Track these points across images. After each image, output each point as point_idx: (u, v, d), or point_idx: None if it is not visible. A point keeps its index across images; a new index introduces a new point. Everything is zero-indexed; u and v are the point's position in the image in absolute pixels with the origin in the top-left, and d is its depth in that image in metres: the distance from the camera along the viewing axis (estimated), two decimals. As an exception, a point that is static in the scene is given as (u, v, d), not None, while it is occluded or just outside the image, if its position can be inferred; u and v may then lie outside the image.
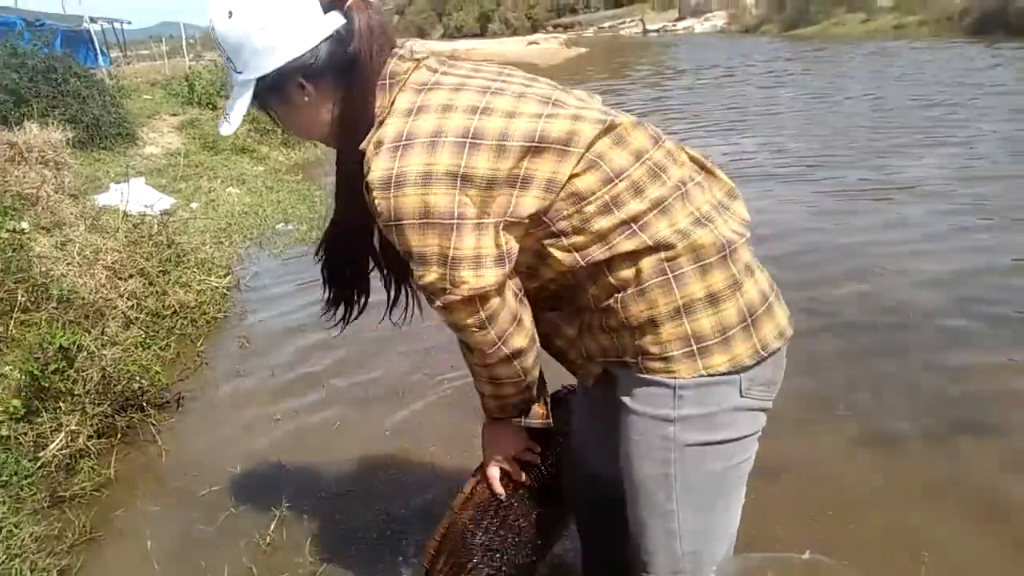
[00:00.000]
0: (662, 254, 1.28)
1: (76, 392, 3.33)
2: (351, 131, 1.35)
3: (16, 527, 2.68)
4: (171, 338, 4.42)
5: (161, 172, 8.82)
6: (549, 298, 1.48)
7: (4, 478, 2.92)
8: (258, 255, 6.32)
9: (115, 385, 3.48)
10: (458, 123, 1.26)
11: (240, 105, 1.38)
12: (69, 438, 3.15)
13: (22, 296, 3.70)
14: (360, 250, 1.61)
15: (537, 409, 1.59)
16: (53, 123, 7.52)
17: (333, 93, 1.37)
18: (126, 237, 5.15)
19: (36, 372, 3.20)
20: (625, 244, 1.29)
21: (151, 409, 3.56)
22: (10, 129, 6.84)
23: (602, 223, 1.29)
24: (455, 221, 1.25)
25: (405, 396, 3.55)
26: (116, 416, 3.44)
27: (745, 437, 1.41)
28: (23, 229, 4.34)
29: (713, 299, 1.29)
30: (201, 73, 14.51)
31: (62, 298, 3.86)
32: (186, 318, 4.70)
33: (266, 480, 2.99)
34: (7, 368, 3.17)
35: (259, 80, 1.34)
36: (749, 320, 1.31)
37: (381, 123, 1.31)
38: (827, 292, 4.35)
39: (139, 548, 2.62)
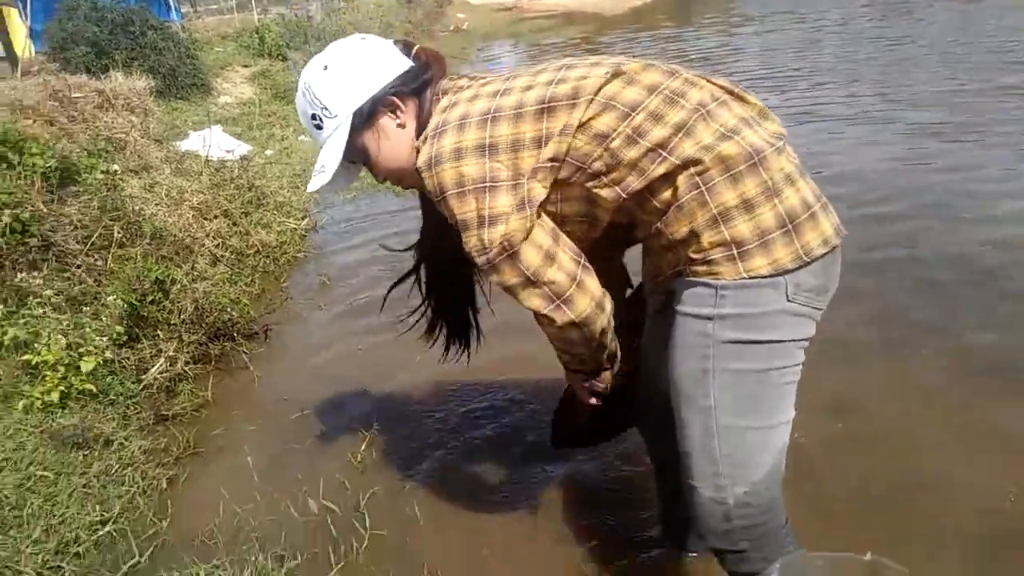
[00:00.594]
0: (692, 170, 1.36)
1: (172, 321, 3.53)
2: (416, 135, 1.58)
3: (126, 441, 2.88)
4: (255, 275, 4.59)
5: (236, 121, 9.01)
6: (618, 242, 1.63)
7: (112, 397, 3.13)
8: (332, 199, 6.46)
9: (207, 316, 3.67)
10: (482, 106, 1.47)
11: (336, 151, 1.57)
12: (168, 363, 3.35)
13: (118, 232, 3.89)
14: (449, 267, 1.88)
15: (606, 375, 1.75)
16: (135, 73, 7.74)
17: (414, 116, 1.58)
18: (209, 180, 5.35)
19: (135, 302, 3.40)
20: (657, 169, 1.38)
21: (241, 339, 3.74)
22: (96, 79, 7.08)
23: (630, 154, 1.39)
24: (487, 184, 1.42)
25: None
26: (210, 344, 3.63)
27: (786, 342, 1.42)
28: (115, 171, 4.53)
29: (748, 205, 1.34)
30: (270, 26, 14.68)
31: (154, 235, 4.05)
32: (268, 257, 4.88)
33: (353, 405, 3.13)
34: (109, 298, 3.35)
35: (354, 115, 1.54)
36: (789, 226, 1.34)
37: (428, 126, 1.53)
38: (906, 228, 4.25)
39: (239, 462, 2.78)
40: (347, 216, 5.97)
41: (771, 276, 1.35)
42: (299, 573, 2.20)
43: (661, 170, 1.37)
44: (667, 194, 1.39)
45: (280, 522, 2.41)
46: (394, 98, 1.56)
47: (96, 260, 3.70)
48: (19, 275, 3.36)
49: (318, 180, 1.58)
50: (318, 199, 6.40)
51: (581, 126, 1.40)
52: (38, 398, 2.91)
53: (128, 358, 3.31)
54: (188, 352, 3.47)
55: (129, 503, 2.58)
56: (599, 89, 1.40)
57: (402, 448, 2.78)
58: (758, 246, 1.34)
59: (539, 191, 1.43)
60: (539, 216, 1.45)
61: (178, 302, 3.57)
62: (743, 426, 1.45)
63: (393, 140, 1.58)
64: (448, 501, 2.47)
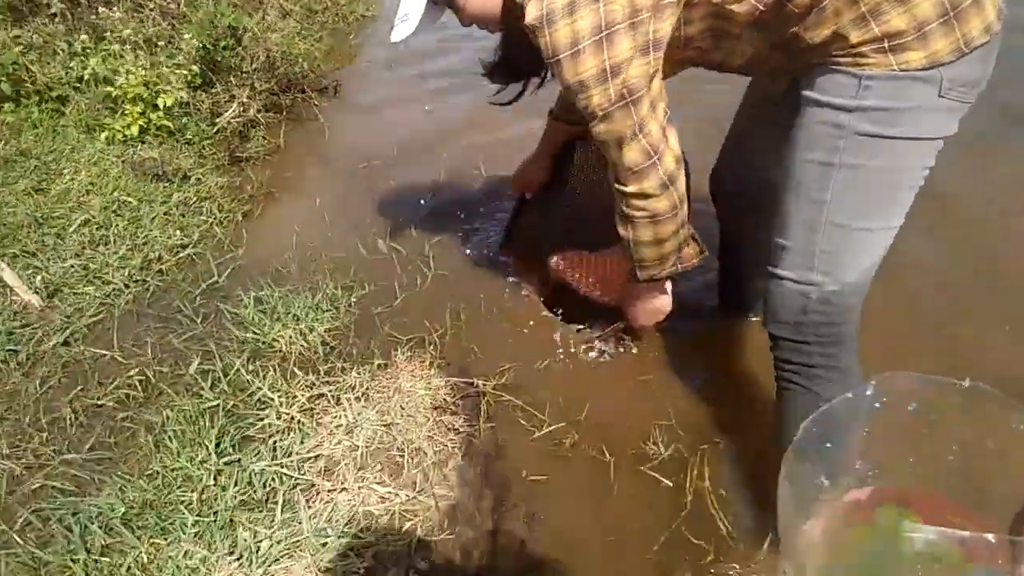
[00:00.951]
0: None
1: (244, 69, 3.54)
2: None
3: (203, 177, 3.00)
4: (324, 31, 4.52)
5: None
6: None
7: (188, 136, 3.23)
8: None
9: (278, 67, 3.68)
10: None
11: None
12: (241, 108, 3.40)
13: (192, -27, 3.82)
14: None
15: (688, 251, 1.67)
16: None
17: None
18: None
19: (209, 46, 3.39)
20: None
21: (311, 92, 3.76)
22: None
23: None
24: (603, 33, 1.27)
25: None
26: (281, 95, 3.66)
27: (925, 140, 1.32)
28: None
29: None
30: None
31: (226, -21, 3.97)
32: (337, 14, 4.78)
33: (420, 160, 3.17)
34: (185, 36, 3.35)
35: None
36: (951, 13, 1.20)
37: None
38: None
39: (309, 204, 2.90)
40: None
41: (925, 70, 1.22)
42: (366, 300, 2.35)
43: None
44: None
45: (349, 258, 2.54)
46: None
47: (169, 2, 3.67)
48: (98, 10, 3.36)
49: (402, 29, 1.47)
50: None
51: None
52: (119, 130, 3.02)
53: (203, 101, 3.37)
54: (260, 100, 3.51)
55: (207, 231, 2.73)
56: None
57: (467, 201, 2.85)
58: (915, 39, 1.21)
59: (664, 30, 1.31)
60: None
61: (250, 50, 3.56)
62: (853, 226, 1.37)
63: None
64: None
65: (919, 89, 1.24)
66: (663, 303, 1.82)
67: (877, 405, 1.30)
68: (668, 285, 1.79)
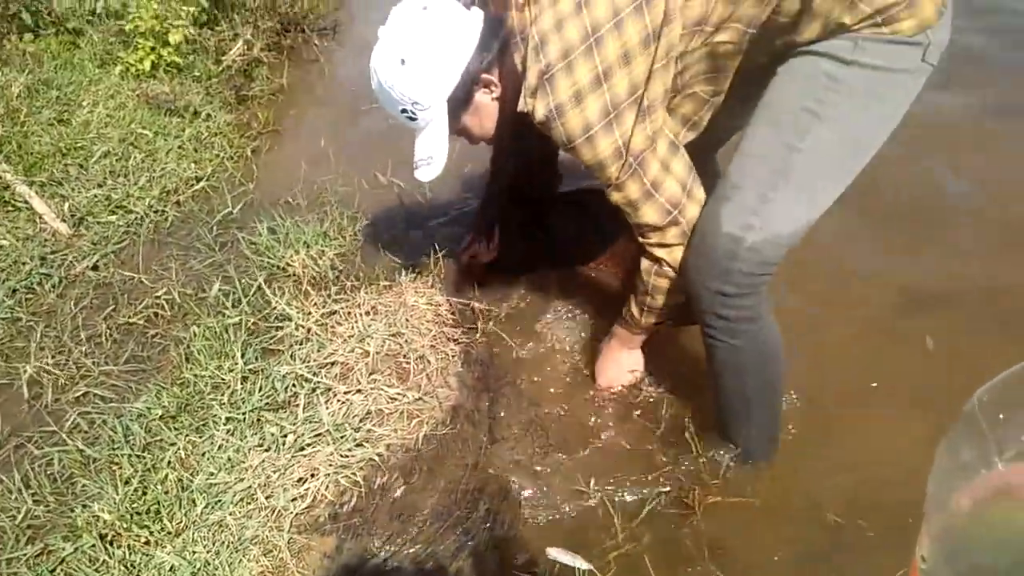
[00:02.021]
0: None
1: (248, 6, 3.66)
2: (516, 96, 1.44)
3: (212, 113, 3.16)
4: (322, -29, 4.60)
5: None
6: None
7: (196, 73, 3.37)
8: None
9: (280, 6, 3.79)
10: (574, 32, 1.32)
11: (439, 139, 1.50)
12: (245, 47, 3.54)
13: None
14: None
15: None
16: None
17: (502, 74, 1.47)
18: None
19: (214, -18, 3.51)
20: None
21: (312, 33, 3.88)
22: None
23: None
24: (612, 114, 1.36)
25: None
26: (283, 35, 3.80)
27: (900, 106, 1.37)
28: None
29: None
30: None
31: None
32: (336, -47, 4.84)
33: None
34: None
35: (448, 101, 1.45)
36: None
37: (524, 74, 1.40)
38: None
39: (314, 141, 3.07)
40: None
41: (916, 34, 1.27)
42: (370, 229, 2.55)
43: None
44: (795, 5, 1.31)
45: (353, 192, 2.72)
46: (486, 75, 1.48)
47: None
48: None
49: (429, 171, 1.56)
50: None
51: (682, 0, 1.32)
52: (132, 64, 3.16)
53: (209, 39, 3.51)
54: (263, 40, 3.65)
55: (219, 165, 2.91)
56: None
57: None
58: (904, 8, 1.24)
59: (658, 90, 1.38)
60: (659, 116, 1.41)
61: (252, -13, 3.68)
62: (813, 182, 1.40)
63: (491, 109, 1.53)
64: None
65: (908, 53, 1.29)
66: (638, 362, 1.93)
67: None
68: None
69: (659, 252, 1.55)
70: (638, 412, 1.93)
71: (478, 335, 2.10)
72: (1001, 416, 1.19)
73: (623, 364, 1.93)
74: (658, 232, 1.52)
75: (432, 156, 1.56)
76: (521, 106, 1.43)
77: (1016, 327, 2.07)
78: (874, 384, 1.96)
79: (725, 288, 1.46)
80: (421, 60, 1.43)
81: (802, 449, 1.80)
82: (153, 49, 3.20)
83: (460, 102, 1.50)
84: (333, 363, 1.98)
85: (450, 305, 2.16)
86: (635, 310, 1.72)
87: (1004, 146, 2.78)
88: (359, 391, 1.91)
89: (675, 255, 1.54)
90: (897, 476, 1.50)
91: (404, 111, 1.50)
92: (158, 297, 2.29)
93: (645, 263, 1.60)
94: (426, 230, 2.52)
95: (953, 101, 2.89)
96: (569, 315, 2.17)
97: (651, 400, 1.95)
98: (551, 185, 2.21)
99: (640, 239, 1.57)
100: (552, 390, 2.00)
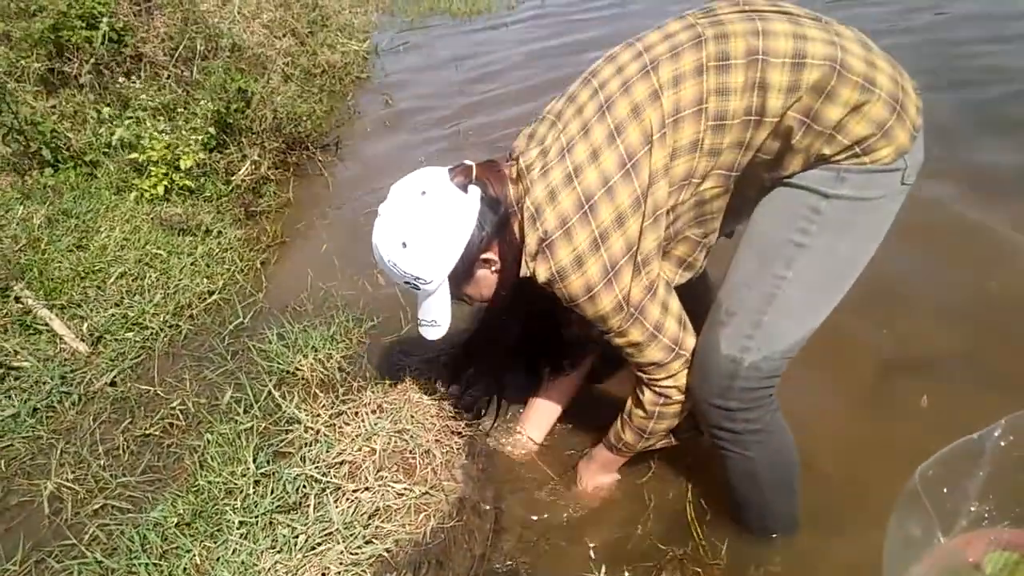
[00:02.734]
0: (790, 113, 1.35)
1: (254, 130, 3.89)
2: (516, 264, 1.54)
3: (223, 230, 3.32)
4: (322, 94, 4.88)
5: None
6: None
7: (207, 194, 3.56)
8: (391, 22, 6.61)
9: (284, 127, 4.03)
10: (569, 201, 1.42)
11: (443, 307, 1.59)
12: (253, 167, 3.74)
13: (200, 45, 4.18)
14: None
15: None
16: None
17: (501, 247, 1.56)
18: (276, -2, 5.56)
19: (221, 109, 3.74)
20: (759, 135, 1.40)
21: (315, 149, 4.11)
22: None
23: (726, 139, 1.40)
24: (611, 273, 1.44)
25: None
26: (288, 153, 4.03)
27: (883, 228, 1.45)
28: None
29: (855, 108, 1.32)
30: None
31: (233, 48, 4.34)
32: (334, 76, 5.16)
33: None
34: (202, 102, 3.69)
35: (450, 276, 1.54)
36: (898, 107, 1.33)
37: (523, 241, 1.50)
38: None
39: (320, 250, 3.23)
40: (407, 38, 6.13)
41: (894, 160, 1.35)
42: (375, 331, 2.65)
43: (763, 134, 1.38)
44: (776, 144, 1.39)
45: (358, 295, 2.86)
46: (484, 256, 1.55)
47: (183, 71, 4.03)
48: (120, 80, 3.72)
49: (434, 332, 1.63)
50: (377, 22, 6.55)
51: (668, 160, 1.41)
52: (146, 190, 3.35)
53: (218, 162, 3.72)
54: (270, 159, 3.87)
55: (230, 278, 3.05)
56: (662, 121, 1.38)
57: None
58: (880, 137, 1.33)
59: (650, 244, 1.45)
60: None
61: (259, 112, 3.92)
62: (804, 305, 1.46)
63: (491, 280, 1.61)
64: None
65: (888, 179, 1.37)
66: (615, 478, 2.01)
67: (1003, 444, 1.27)
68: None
69: (667, 383, 1.60)
70: (631, 502, 1.99)
71: (481, 429, 2.17)
72: (945, 490, 1.22)
73: (603, 483, 2.01)
74: (663, 368, 1.57)
75: (436, 320, 1.63)
76: (523, 272, 1.52)
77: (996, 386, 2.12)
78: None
79: (729, 404, 1.53)
80: (421, 244, 1.50)
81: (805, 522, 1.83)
82: (166, 175, 3.40)
83: (461, 276, 1.57)
84: (341, 462, 2.04)
85: (454, 399, 2.23)
86: (630, 438, 1.76)
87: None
88: (367, 488, 1.97)
89: (680, 381, 1.59)
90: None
91: (408, 283, 1.57)
92: (173, 408, 2.38)
93: (650, 395, 1.63)
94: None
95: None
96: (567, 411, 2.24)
97: (644, 489, 2.01)
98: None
99: (644, 375, 1.62)
100: (553, 480, 2.05)
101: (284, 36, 5.18)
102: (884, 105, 1.32)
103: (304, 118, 4.17)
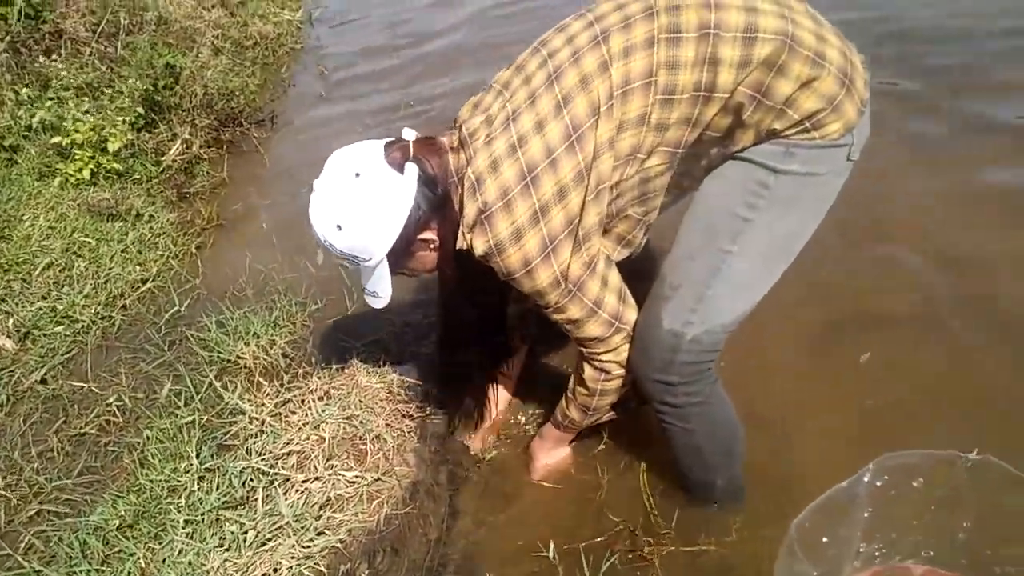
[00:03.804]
0: (741, 88, 1.33)
1: (184, 107, 3.73)
2: (454, 237, 1.49)
3: (155, 214, 3.18)
4: (255, 66, 4.70)
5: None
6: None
7: (136, 177, 3.41)
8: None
9: (216, 103, 3.88)
10: (512, 172, 1.38)
11: (383, 281, 1.55)
12: (184, 146, 3.59)
13: (124, 19, 3.98)
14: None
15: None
16: None
17: (440, 224, 1.52)
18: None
19: (149, 87, 3.57)
20: (708, 110, 1.37)
21: (249, 125, 3.96)
22: None
23: (674, 114, 1.38)
24: (549, 247, 1.40)
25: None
26: (221, 130, 3.87)
27: (826, 205, 1.45)
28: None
29: (806, 83, 1.31)
30: None
31: (159, 21, 4.14)
32: (267, 48, 4.97)
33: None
34: (128, 80, 3.52)
35: (388, 254, 1.49)
36: (847, 81, 1.33)
37: (462, 212, 1.46)
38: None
39: (258, 231, 3.12)
40: (341, 7, 5.94)
41: (842, 136, 1.35)
42: (319, 314, 2.57)
43: (713, 110, 1.36)
44: (726, 121, 1.38)
45: (300, 277, 2.76)
46: (423, 235, 1.52)
47: (107, 48, 3.84)
48: (39, 59, 3.52)
49: (378, 302, 1.62)
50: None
51: (614, 134, 1.38)
52: (71, 175, 3.18)
53: (147, 142, 3.55)
54: (202, 136, 3.71)
55: (164, 265, 2.93)
56: (610, 92, 1.35)
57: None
58: (830, 111, 1.32)
59: (592, 220, 1.42)
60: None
61: (188, 88, 3.75)
62: (748, 278, 1.47)
63: (431, 256, 1.59)
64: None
65: (835, 155, 1.37)
66: (567, 452, 1.99)
67: (879, 484, 1.30)
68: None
69: (606, 357, 1.58)
70: (584, 475, 1.97)
71: (433, 407, 2.12)
72: (824, 539, 1.24)
73: (556, 459, 1.98)
74: (603, 342, 1.56)
75: (377, 292, 1.60)
76: (460, 243, 1.48)
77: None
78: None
79: (670, 378, 1.53)
80: (356, 227, 1.46)
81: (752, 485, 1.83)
82: (92, 158, 3.23)
83: (400, 255, 1.53)
84: (289, 453, 1.97)
85: (403, 383, 2.17)
86: (576, 414, 1.75)
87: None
88: (317, 478, 1.90)
89: (622, 355, 1.58)
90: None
91: (346, 260, 1.54)
92: (109, 404, 2.28)
93: (590, 372, 1.62)
94: (374, 310, 2.54)
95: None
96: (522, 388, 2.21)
97: (596, 461, 1.99)
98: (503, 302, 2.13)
99: (584, 350, 1.60)
100: (508, 459, 2.02)
101: (213, 7, 4.96)
102: (834, 80, 1.31)
103: (237, 93, 4.01)
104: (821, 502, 1.24)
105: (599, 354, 1.58)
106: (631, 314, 1.56)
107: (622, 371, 1.60)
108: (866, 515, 1.29)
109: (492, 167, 1.41)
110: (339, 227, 1.46)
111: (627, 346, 1.57)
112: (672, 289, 1.49)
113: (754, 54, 1.30)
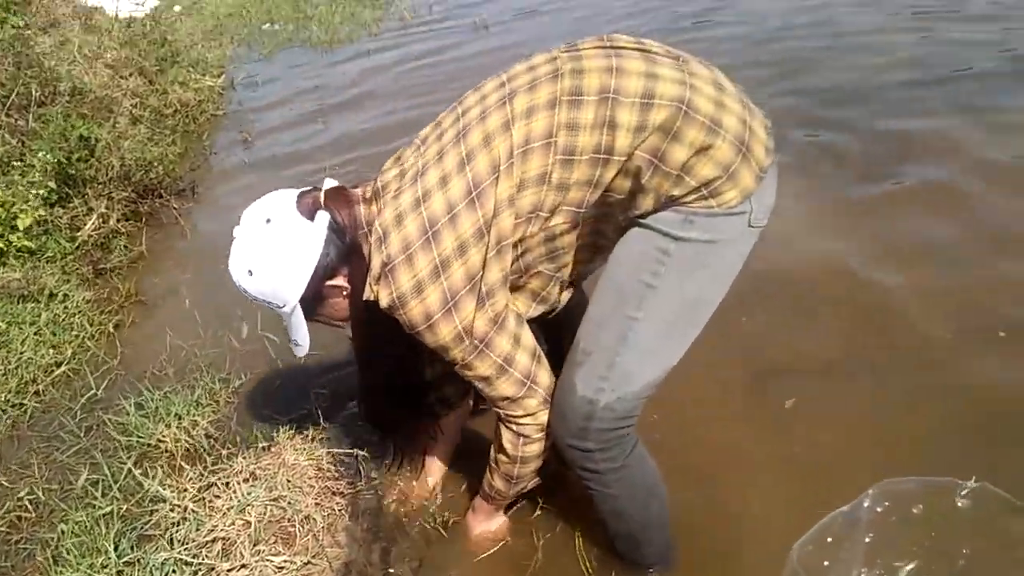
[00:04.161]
0: (638, 152, 1.35)
1: (100, 180, 3.64)
2: (364, 284, 1.51)
3: (70, 293, 3.08)
4: (176, 135, 4.65)
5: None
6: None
7: (49, 254, 3.29)
8: (248, 55, 6.39)
9: (134, 174, 3.80)
10: (414, 226, 1.40)
11: (301, 328, 1.57)
12: (100, 220, 3.50)
13: (36, 91, 3.88)
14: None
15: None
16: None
17: (351, 272, 1.53)
18: (120, 36, 5.25)
19: (63, 160, 3.47)
20: (607, 173, 1.39)
21: (169, 196, 3.89)
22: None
23: (574, 174, 1.39)
24: (451, 302, 1.41)
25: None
26: (139, 202, 3.78)
27: (733, 269, 1.47)
28: (25, 25, 4.44)
29: (701, 149, 1.33)
30: None
31: (73, 92, 4.06)
32: (187, 116, 4.92)
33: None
34: (39, 154, 3.41)
35: (300, 300, 1.50)
36: (743, 149, 1.35)
37: (370, 264, 1.48)
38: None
39: (179, 306, 3.03)
40: (265, 72, 5.94)
41: (740, 203, 1.36)
42: (243, 390, 2.51)
43: (612, 172, 1.38)
44: (626, 184, 1.39)
45: (223, 352, 2.69)
46: (333, 282, 1.53)
47: (17, 120, 3.73)
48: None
49: (299, 351, 1.62)
50: (232, 56, 6.33)
51: (515, 191, 1.39)
52: (-22, 256, 3.06)
53: (61, 217, 3.45)
54: (119, 210, 3.62)
55: (80, 346, 2.82)
56: (511, 151, 1.38)
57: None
58: (726, 179, 1.34)
59: (495, 276, 1.43)
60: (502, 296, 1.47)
61: (104, 160, 3.67)
62: (656, 345, 1.48)
63: (342, 303, 1.59)
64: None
65: (734, 222, 1.38)
66: (502, 522, 1.97)
67: (879, 510, 1.32)
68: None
69: (524, 421, 1.58)
70: (520, 540, 1.94)
71: (364, 483, 2.08)
72: (826, 563, 1.25)
73: (491, 526, 1.96)
74: (518, 404, 1.55)
75: (298, 341, 1.61)
76: (367, 294, 1.50)
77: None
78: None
79: (587, 445, 1.53)
80: (266, 272, 1.48)
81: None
82: (1, 236, 3.11)
83: (311, 301, 1.54)
84: (214, 540, 1.90)
85: (332, 457, 2.13)
86: (501, 484, 1.73)
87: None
88: (243, 566, 1.83)
89: (541, 419, 1.58)
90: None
91: (265, 303, 1.55)
92: (20, 498, 2.16)
93: (509, 436, 1.61)
94: (300, 382, 2.51)
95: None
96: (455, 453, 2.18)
97: (531, 527, 1.97)
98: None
99: (500, 412, 1.59)
100: (442, 530, 1.99)
101: (131, 75, 4.89)
102: (730, 147, 1.34)
103: (156, 163, 3.93)
104: (822, 526, 1.27)
105: (517, 417, 1.57)
106: (546, 376, 1.56)
107: (541, 435, 1.59)
108: (867, 540, 1.30)
109: (397, 220, 1.43)
110: (250, 272, 1.49)
111: (546, 410, 1.57)
112: (584, 355, 1.50)
113: (650, 119, 1.33)
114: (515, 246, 1.46)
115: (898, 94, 3.88)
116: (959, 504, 1.32)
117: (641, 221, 1.42)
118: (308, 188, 1.57)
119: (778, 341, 2.44)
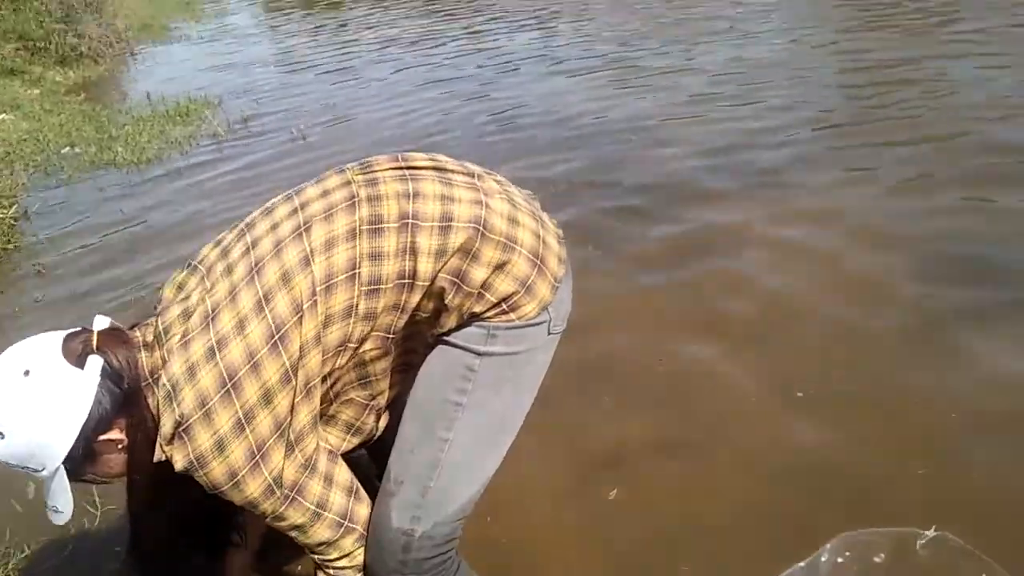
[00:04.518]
0: (441, 275, 1.34)
1: None
2: (149, 443, 1.35)
3: None
4: (-41, 273, 4.24)
5: (-83, 101, 7.97)
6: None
7: None
8: (45, 182, 6.00)
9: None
10: (210, 379, 1.26)
11: (63, 494, 1.33)
12: None
13: None
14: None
15: None
16: None
17: (129, 424, 1.36)
18: None
19: None
20: (413, 297, 1.37)
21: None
22: None
23: (380, 302, 1.35)
24: (257, 456, 1.28)
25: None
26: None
27: (537, 379, 1.49)
28: None
29: (499, 266, 1.35)
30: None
31: None
32: (-27, 252, 4.50)
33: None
34: None
35: (66, 461, 1.30)
36: (538, 262, 1.38)
37: (159, 420, 1.31)
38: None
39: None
40: (61, 200, 5.59)
41: (539, 314, 1.38)
42: (28, 561, 2.22)
43: (417, 296, 1.37)
44: (431, 304, 1.38)
45: (3, 523, 2.36)
46: (107, 436, 1.32)
47: None
48: None
49: (59, 518, 1.38)
50: (28, 184, 5.93)
51: (321, 329, 1.32)
52: None
53: None
54: None
55: None
56: (313, 288, 1.30)
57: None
58: (524, 293, 1.36)
59: (304, 420, 1.34)
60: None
61: None
62: (469, 464, 1.45)
63: (120, 456, 1.39)
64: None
65: (534, 332, 1.41)
66: None
67: (839, 560, 1.34)
68: None
69: (341, 564, 1.46)
70: None
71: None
72: None
73: None
74: (334, 547, 1.44)
75: (58, 507, 1.36)
76: (157, 455, 1.32)
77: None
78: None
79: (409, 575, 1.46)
80: (23, 435, 1.25)
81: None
82: None
83: (80, 460, 1.32)
84: None
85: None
86: None
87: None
88: None
89: (357, 559, 1.47)
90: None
91: (21, 468, 1.30)
92: None
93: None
94: (96, 544, 2.24)
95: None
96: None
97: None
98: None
99: (316, 557, 1.47)
100: None
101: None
102: (526, 261, 1.36)
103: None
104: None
105: (332, 560, 1.45)
106: (364, 511, 1.46)
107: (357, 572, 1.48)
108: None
109: (189, 373, 1.27)
110: (2, 435, 1.24)
111: (362, 549, 1.46)
112: (397, 484, 1.44)
113: (449, 243, 1.33)
114: (324, 379, 1.38)
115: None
116: (919, 552, 1.36)
117: (445, 339, 1.41)
118: (77, 329, 1.36)
119: (592, 427, 2.47)
